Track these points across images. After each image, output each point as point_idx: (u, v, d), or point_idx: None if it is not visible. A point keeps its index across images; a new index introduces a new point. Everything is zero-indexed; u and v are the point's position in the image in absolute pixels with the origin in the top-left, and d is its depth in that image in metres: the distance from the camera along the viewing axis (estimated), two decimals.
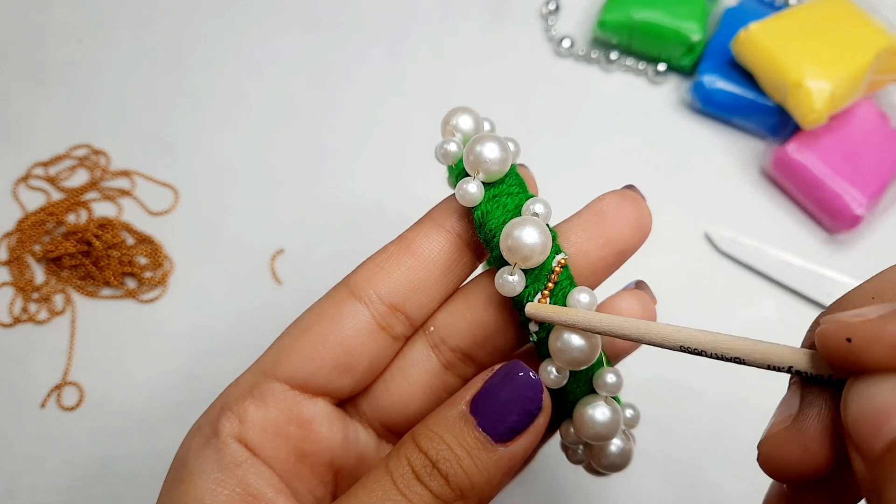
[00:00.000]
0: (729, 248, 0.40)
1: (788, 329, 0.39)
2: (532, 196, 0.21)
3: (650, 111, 0.45)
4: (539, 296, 0.20)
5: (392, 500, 0.18)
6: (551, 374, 0.19)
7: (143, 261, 0.40)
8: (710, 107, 0.43)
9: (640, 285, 0.22)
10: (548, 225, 0.20)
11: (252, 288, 0.40)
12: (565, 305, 0.20)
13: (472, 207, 0.20)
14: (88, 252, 0.40)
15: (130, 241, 0.41)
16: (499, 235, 0.20)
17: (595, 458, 0.21)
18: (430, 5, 0.49)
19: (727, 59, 0.43)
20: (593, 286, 0.21)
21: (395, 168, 0.43)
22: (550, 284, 0.20)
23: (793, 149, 0.40)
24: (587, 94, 0.46)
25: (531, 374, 0.19)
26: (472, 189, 0.20)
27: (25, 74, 0.46)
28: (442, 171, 0.23)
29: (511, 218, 0.20)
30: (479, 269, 0.23)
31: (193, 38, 0.48)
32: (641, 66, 0.46)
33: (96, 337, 0.38)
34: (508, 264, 0.20)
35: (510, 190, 0.21)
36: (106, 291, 0.40)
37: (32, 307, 0.39)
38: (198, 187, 0.43)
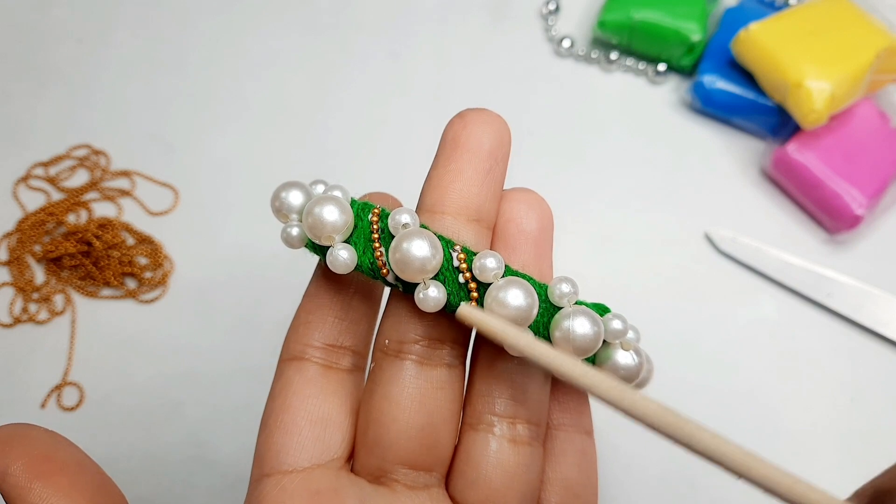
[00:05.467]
0: (729, 248, 0.40)
1: (788, 329, 0.39)
2: (388, 213, 0.19)
3: (650, 111, 0.45)
4: (472, 293, 0.18)
5: None
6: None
7: (143, 261, 0.40)
8: (710, 107, 0.43)
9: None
10: (423, 225, 0.19)
11: (252, 288, 0.40)
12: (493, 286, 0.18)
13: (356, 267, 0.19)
14: (88, 252, 0.40)
15: (130, 241, 0.41)
16: (390, 266, 0.18)
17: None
18: (430, 5, 0.49)
19: (727, 59, 0.43)
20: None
21: (395, 168, 0.43)
22: (469, 278, 0.18)
23: (793, 149, 0.40)
24: (587, 94, 0.46)
25: None
26: (344, 255, 0.19)
27: (25, 74, 0.46)
28: None
29: (391, 243, 0.19)
30: None
31: (193, 38, 0.48)
32: (641, 66, 0.46)
33: (96, 337, 0.38)
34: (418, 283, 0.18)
35: (367, 227, 0.19)
36: (106, 291, 0.40)
37: (32, 307, 0.39)
38: (198, 187, 0.43)
